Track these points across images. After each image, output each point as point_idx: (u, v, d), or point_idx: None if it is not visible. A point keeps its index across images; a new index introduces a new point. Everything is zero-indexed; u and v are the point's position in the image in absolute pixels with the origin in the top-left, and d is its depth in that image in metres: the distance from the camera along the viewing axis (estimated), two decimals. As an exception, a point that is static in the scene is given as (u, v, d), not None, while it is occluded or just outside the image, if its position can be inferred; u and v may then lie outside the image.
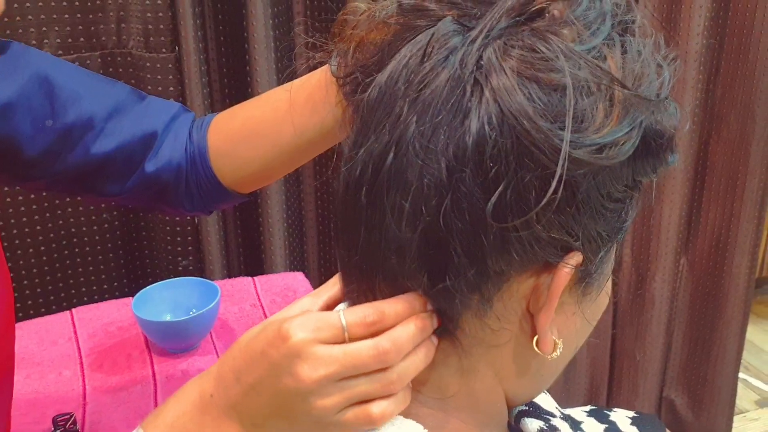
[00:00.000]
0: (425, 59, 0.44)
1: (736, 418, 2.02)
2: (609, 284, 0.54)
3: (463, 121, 0.43)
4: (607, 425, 0.82)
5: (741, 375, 2.19)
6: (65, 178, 0.79)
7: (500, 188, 0.42)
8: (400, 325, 0.49)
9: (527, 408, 0.59)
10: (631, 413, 0.87)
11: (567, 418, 0.64)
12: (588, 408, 0.86)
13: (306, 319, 0.50)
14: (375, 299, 0.50)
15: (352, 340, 0.50)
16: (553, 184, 0.41)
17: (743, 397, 2.25)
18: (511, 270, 0.46)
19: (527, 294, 0.48)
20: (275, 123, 0.76)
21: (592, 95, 0.43)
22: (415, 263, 0.46)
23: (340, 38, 0.51)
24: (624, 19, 0.46)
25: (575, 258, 0.46)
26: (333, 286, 0.56)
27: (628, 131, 0.43)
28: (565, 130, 0.41)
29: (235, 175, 0.81)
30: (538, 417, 0.58)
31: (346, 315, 0.50)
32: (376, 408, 0.50)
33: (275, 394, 0.51)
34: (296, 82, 0.75)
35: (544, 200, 0.42)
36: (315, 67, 0.71)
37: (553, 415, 0.60)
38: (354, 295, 0.52)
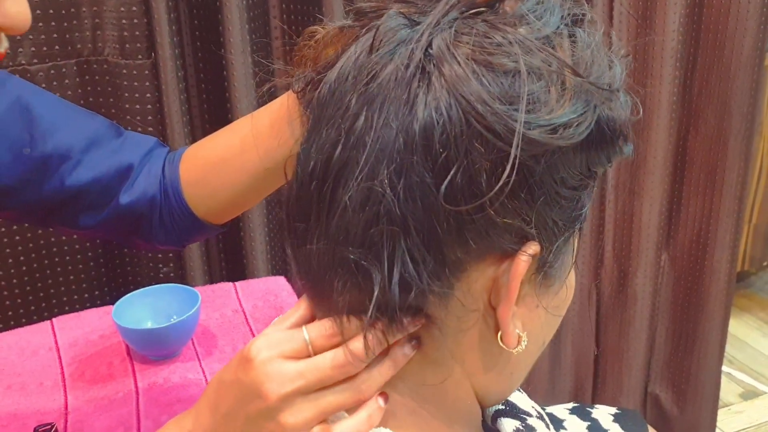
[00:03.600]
0: (373, 52, 0.45)
1: (720, 412, 2.03)
2: (572, 276, 0.54)
3: (412, 109, 0.43)
4: (589, 423, 0.83)
5: (725, 368, 2.20)
6: (39, 209, 0.79)
7: (451, 173, 0.42)
8: (356, 338, 0.49)
9: (504, 407, 0.59)
10: (613, 410, 0.87)
11: (545, 417, 0.64)
12: (570, 405, 0.86)
13: (268, 337, 0.51)
14: (331, 294, 0.49)
15: (316, 353, 0.50)
16: (509, 165, 0.42)
17: (728, 391, 2.26)
18: (468, 258, 0.46)
19: (488, 286, 0.48)
20: (242, 150, 0.76)
21: (543, 79, 0.44)
22: (372, 255, 0.45)
23: (299, 60, 0.52)
24: (573, 12, 0.47)
25: (532, 247, 0.46)
26: (300, 308, 0.56)
27: (582, 113, 0.44)
28: (519, 112, 0.42)
29: (207, 205, 0.81)
30: (514, 416, 0.59)
31: (308, 329, 0.50)
32: (339, 428, 0.50)
33: (248, 419, 0.51)
34: (260, 108, 0.75)
35: (501, 181, 0.42)
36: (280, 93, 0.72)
37: (529, 414, 0.60)
38: (311, 292, 0.52)
